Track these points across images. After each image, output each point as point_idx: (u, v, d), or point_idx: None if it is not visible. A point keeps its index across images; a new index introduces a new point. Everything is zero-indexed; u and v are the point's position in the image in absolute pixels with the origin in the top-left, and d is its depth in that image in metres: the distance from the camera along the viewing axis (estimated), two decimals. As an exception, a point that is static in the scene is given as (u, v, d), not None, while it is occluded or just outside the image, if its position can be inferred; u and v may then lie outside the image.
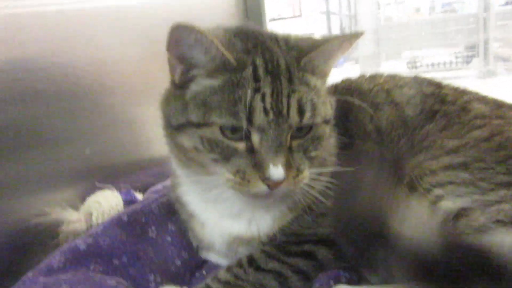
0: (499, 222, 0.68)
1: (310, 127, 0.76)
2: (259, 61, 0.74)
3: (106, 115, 1.21)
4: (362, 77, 1.04)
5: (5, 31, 0.93)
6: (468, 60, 5.23)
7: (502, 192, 0.72)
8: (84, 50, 1.10)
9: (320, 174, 0.80)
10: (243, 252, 0.86)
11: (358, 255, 0.74)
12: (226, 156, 0.73)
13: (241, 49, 0.76)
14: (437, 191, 0.71)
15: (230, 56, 0.72)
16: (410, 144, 0.85)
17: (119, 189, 1.11)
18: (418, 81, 0.98)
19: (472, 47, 5.08)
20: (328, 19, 4.95)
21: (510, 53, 5.10)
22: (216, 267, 0.94)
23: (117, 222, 0.89)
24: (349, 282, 0.80)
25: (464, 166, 0.76)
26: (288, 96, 0.72)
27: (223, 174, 0.74)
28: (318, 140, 0.78)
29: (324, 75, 0.81)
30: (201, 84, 0.75)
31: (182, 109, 0.76)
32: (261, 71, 0.73)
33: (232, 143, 0.73)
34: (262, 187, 0.72)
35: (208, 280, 0.81)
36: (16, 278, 0.74)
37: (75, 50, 1.06)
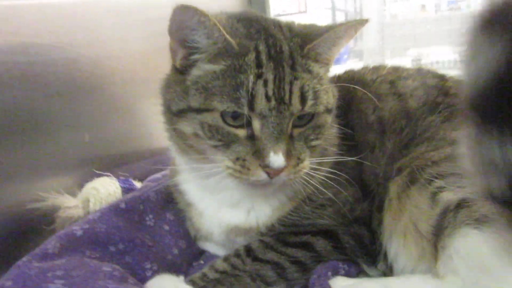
0: None
1: (312, 116, 0.75)
2: (262, 47, 0.73)
3: (107, 103, 1.19)
4: (365, 68, 1.03)
5: (5, 14, 0.91)
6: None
7: None
8: (85, 35, 1.08)
9: (320, 164, 0.79)
10: (241, 242, 0.85)
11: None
12: (226, 143, 0.72)
13: (244, 34, 0.75)
14: (439, 182, 0.70)
15: (232, 41, 0.71)
16: (412, 135, 0.84)
17: (117, 177, 1.10)
18: (422, 73, 0.97)
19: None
20: (334, 15, 4.92)
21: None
22: (214, 257, 0.93)
23: (114, 209, 0.88)
24: (347, 275, 0.80)
25: None
26: (291, 83, 0.71)
27: (223, 161, 0.73)
28: (319, 129, 0.77)
29: (327, 63, 0.80)
30: (203, 69, 0.74)
31: (183, 94, 0.75)
32: (263, 57, 0.72)
33: (232, 130, 0.72)
34: (261, 175, 0.71)
35: (205, 269, 0.80)
36: (11, 263, 0.73)
37: (75, 35, 1.05)
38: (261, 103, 0.69)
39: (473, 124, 0.49)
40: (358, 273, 0.83)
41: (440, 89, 0.91)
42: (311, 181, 0.77)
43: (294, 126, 0.74)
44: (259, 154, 0.70)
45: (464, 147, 0.52)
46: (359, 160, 0.82)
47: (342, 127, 0.87)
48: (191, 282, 0.77)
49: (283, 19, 0.86)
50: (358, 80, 0.95)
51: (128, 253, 0.83)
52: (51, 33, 0.99)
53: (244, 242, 0.84)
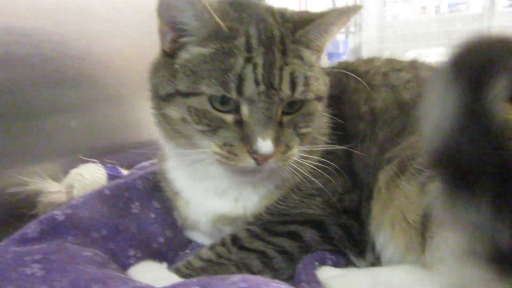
0: None
1: (302, 103, 0.74)
2: (252, 31, 0.71)
3: (95, 89, 1.17)
4: (359, 60, 1.02)
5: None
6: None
7: None
8: (74, 18, 1.06)
9: (310, 153, 0.77)
10: (228, 231, 0.84)
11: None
12: (213, 128, 0.71)
13: (234, 18, 0.73)
14: (428, 172, 0.69)
15: (222, 24, 0.70)
16: (403, 125, 0.82)
17: (105, 165, 1.08)
18: (416, 66, 0.96)
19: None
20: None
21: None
22: (201, 247, 0.91)
23: (98, 196, 0.86)
24: (335, 266, 0.78)
25: None
26: (281, 69, 0.70)
27: (210, 146, 0.72)
28: (309, 117, 0.75)
29: (319, 50, 0.78)
30: (192, 52, 0.73)
31: (171, 78, 0.73)
32: (254, 41, 0.70)
33: (220, 115, 0.70)
34: (249, 162, 0.69)
35: (190, 258, 0.79)
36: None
37: (63, 16, 1.02)
38: (249, 88, 0.67)
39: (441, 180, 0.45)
40: (346, 264, 0.82)
41: None
42: (300, 170, 0.75)
43: (284, 113, 0.72)
44: (247, 140, 0.68)
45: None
46: (349, 149, 0.81)
47: (333, 117, 0.86)
48: (176, 270, 0.75)
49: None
50: (351, 71, 0.94)
51: (111, 239, 0.81)
52: (36, 13, 0.96)
53: (231, 232, 0.83)
